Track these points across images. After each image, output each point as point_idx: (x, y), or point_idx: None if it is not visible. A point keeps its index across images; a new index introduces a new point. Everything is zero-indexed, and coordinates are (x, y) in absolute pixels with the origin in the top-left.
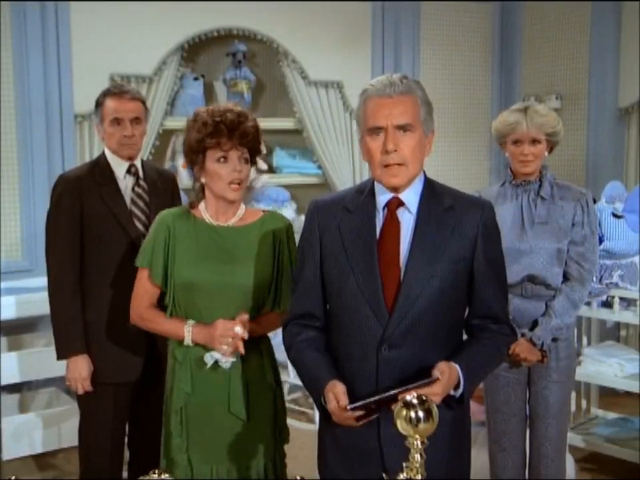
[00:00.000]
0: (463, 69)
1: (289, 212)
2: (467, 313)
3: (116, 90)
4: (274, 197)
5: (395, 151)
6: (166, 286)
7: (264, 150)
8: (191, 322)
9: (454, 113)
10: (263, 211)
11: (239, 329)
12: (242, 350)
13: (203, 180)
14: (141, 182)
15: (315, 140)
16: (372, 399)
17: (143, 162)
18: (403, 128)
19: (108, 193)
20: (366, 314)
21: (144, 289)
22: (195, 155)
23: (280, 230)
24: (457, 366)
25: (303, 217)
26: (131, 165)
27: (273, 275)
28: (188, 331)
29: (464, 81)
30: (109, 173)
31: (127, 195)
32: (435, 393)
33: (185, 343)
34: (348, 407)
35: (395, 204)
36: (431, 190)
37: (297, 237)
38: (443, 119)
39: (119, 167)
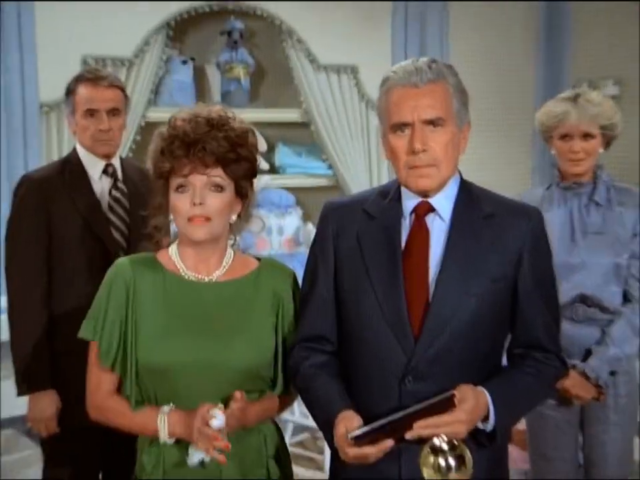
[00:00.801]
0: (501, 52)
1: (293, 219)
2: (508, 340)
3: (90, 75)
4: (276, 202)
5: (424, 150)
6: (123, 370)
7: (264, 148)
8: (166, 408)
9: (490, 104)
10: (258, 259)
11: (216, 422)
12: (222, 445)
13: (170, 217)
14: (120, 184)
15: (324, 135)
16: (377, 424)
17: (122, 160)
18: (433, 123)
19: (80, 197)
20: (387, 338)
21: (98, 371)
22: (156, 181)
23: (282, 285)
24: (484, 392)
25: (309, 226)
26: (108, 164)
27: (275, 347)
28: (162, 421)
29: (502, 66)
30: (81, 173)
31: (103, 199)
32: (459, 420)
33: (161, 440)
34: (348, 436)
35: (423, 209)
36: (468, 194)
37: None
38: (477, 111)
39: (94, 167)
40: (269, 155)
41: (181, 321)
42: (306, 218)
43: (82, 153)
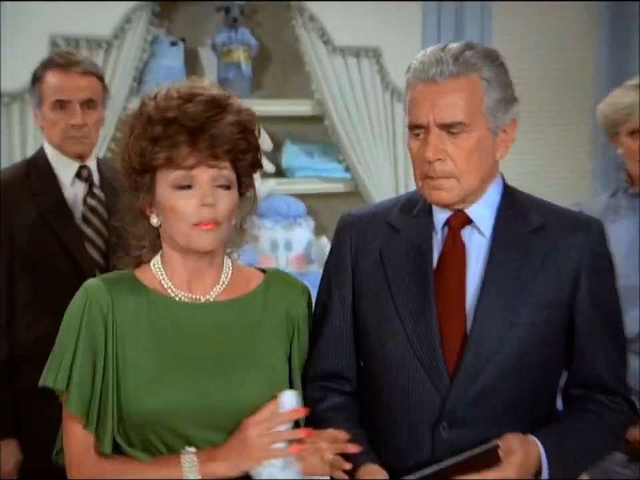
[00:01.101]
0: (554, 32)
1: (304, 232)
2: (564, 378)
3: (61, 60)
4: (283, 211)
5: (439, 159)
6: (101, 424)
7: (269, 146)
8: (190, 449)
9: (542, 96)
10: (262, 270)
11: (290, 400)
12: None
13: (154, 220)
14: (96, 190)
15: (341, 131)
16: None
17: (98, 162)
18: (451, 128)
19: (48, 205)
20: (417, 377)
21: (76, 426)
22: (138, 176)
23: (296, 304)
24: (536, 442)
25: (323, 240)
26: (82, 167)
27: (290, 378)
28: (191, 464)
29: (555, 49)
30: (49, 177)
31: (76, 208)
32: (505, 477)
33: None
34: None
35: (459, 222)
36: (512, 202)
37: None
38: (527, 106)
39: (65, 169)
40: (275, 154)
41: (175, 356)
42: (319, 231)
43: (50, 153)
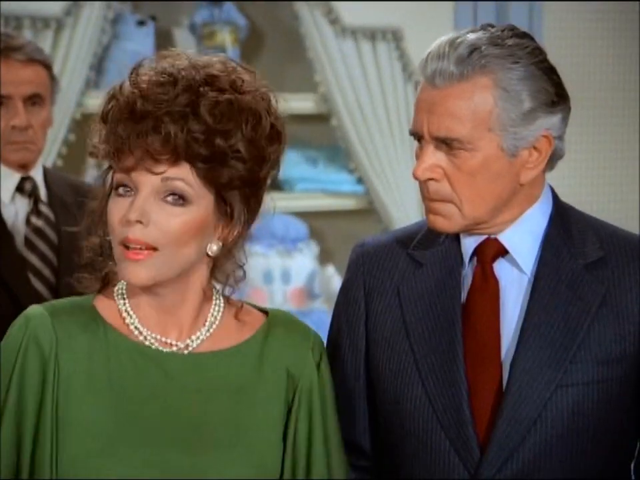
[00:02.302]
0: (608, 27)
1: (306, 260)
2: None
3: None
4: (280, 234)
5: (432, 179)
6: None
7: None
8: None
9: (590, 96)
10: (264, 312)
11: None
12: None
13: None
14: (43, 208)
15: (352, 132)
16: None
17: (46, 172)
18: (448, 143)
19: None
20: (441, 448)
21: None
22: (105, 171)
23: (300, 358)
24: None
25: (329, 270)
26: (25, 179)
27: (285, 465)
28: None
29: (608, 48)
30: None
31: (18, 230)
32: None
33: None
34: None
35: (491, 251)
36: (564, 228)
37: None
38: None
39: (3, 183)
40: None
41: (135, 420)
42: (324, 258)
43: None
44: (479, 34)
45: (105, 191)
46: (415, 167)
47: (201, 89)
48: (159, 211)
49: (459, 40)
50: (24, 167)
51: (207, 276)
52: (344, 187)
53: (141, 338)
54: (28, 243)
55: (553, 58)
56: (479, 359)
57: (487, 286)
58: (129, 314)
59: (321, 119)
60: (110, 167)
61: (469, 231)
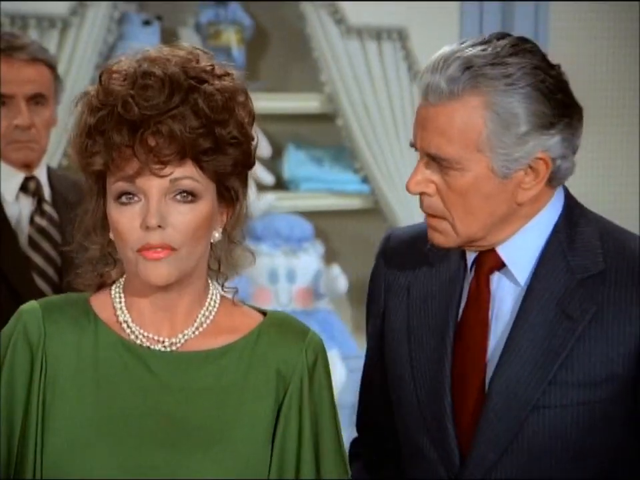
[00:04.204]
0: (614, 28)
1: (311, 260)
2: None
3: (3, 44)
4: (285, 234)
5: (425, 194)
6: None
7: (268, 152)
8: None
9: (597, 96)
10: (263, 313)
11: None
12: None
13: (111, 235)
14: (47, 207)
15: (357, 132)
16: None
17: (50, 172)
18: (437, 161)
19: None
20: (428, 455)
21: None
22: (87, 178)
23: (291, 357)
24: None
25: (335, 270)
26: (29, 178)
27: (272, 466)
28: None
29: (614, 47)
30: None
31: (22, 230)
32: None
33: None
34: None
35: (489, 263)
36: (567, 237)
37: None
38: (592, 99)
39: (7, 182)
40: (275, 162)
41: (117, 416)
42: (329, 258)
43: None
44: (478, 49)
45: (94, 204)
46: (408, 180)
47: (187, 83)
48: (173, 211)
49: (455, 55)
50: (28, 166)
51: (206, 270)
52: (349, 187)
53: (132, 336)
54: (32, 242)
55: (558, 58)
56: (466, 374)
57: (479, 299)
58: (122, 311)
59: (327, 118)
60: (97, 180)
61: (468, 246)
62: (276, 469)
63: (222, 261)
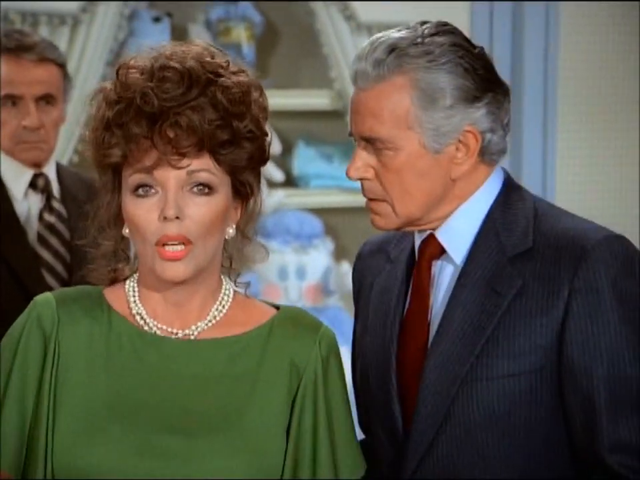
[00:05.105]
0: (624, 27)
1: (321, 256)
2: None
3: (10, 43)
4: (295, 230)
5: (365, 179)
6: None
7: (278, 149)
8: None
9: (606, 93)
10: (276, 307)
11: None
12: None
13: (125, 230)
14: (55, 204)
15: None
16: None
17: (59, 169)
18: (373, 143)
19: None
20: (379, 436)
21: None
22: (102, 174)
23: (304, 349)
24: None
25: (345, 267)
26: (38, 175)
27: (287, 456)
28: None
29: (624, 45)
30: None
31: (31, 226)
32: None
33: None
34: None
35: (429, 249)
36: (501, 217)
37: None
38: (581, 105)
39: (16, 179)
40: (285, 159)
41: (130, 402)
42: (339, 254)
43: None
44: (403, 33)
45: (109, 198)
46: (347, 167)
47: (205, 76)
48: (189, 203)
49: (380, 40)
50: (37, 164)
51: (219, 266)
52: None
53: (143, 324)
54: (40, 238)
55: (569, 57)
56: (409, 358)
57: (420, 285)
58: (136, 304)
59: (336, 115)
60: (113, 174)
61: (407, 227)
62: (291, 459)
63: (234, 257)
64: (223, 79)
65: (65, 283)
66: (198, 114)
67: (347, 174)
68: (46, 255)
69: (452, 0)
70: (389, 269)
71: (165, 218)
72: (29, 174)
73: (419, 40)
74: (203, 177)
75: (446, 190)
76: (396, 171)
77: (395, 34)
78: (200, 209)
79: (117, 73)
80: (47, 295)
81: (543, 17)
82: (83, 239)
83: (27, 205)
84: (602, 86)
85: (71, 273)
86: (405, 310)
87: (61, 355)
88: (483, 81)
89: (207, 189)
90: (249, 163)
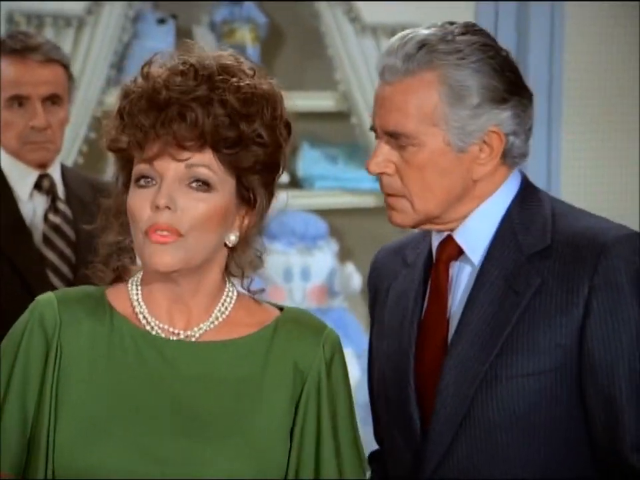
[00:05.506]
0: (630, 28)
1: (326, 258)
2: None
3: (16, 44)
4: (300, 232)
5: (383, 173)
6: None
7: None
8: None
9: (610, 94)
10: (280, 308)
11: None
12: None
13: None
14: (61, 205)
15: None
16: None
17: (64, 170)
18: (396, 138)
19: (2, 224)
20: (396, 439)
21: None
22: (119, 168)
23: (308, 352)
24: None
25: (349, 268)
26: (43, 176)
27: (291, 459)
28: None
29: (630, 45)
30: (2, 189)
31: (36, 227)
32: None
33: None
34: None
35: (447, 250)
36: (519, 217)
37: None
38: (586, 105)
39: (21, 180)
40: (289, 160)
41: (132, 404)
42: (344, 256)
43: (4, 160)
44: (432, 30)
45: (120, 187)
46: (368, 161)
47: (221, 76)
48: (185, 196)
49: (409, 36)
50: (42, 165)
51: (222, 268)
52: (363, 185)
53: (148, 327)
54: (46, 239)
55: (574, 58)
56: (427, 360)
57: (439, 287)
58: (138, 303)
59: (341, 116)
60: (124, 163)
61: (423, 226)
62: (295, 462)
63: (240, 265)
64: (237, 79)
65: (70, 284)
66: (204, 108)
67: (366, 168)
68: (51, 255)
69: (457, 0)
70: (405, 272)
71: (157, 207)
72: (34, 175)
73: (450, 37)
74: (202, 172)
75: (466, 189)
76: (418, 167)
77: (424, 30)
78: (195, 204)
79: (142, 68)
80: (49, 294)
81: (547, 17)
82: (88, 240)
83: (32, 206)
84: (607, 87)
85: (76, 273)
86: (423, 312)
87: (63, 355)
88: (511, 83)
89: (205, 185)
90: (254, 167)
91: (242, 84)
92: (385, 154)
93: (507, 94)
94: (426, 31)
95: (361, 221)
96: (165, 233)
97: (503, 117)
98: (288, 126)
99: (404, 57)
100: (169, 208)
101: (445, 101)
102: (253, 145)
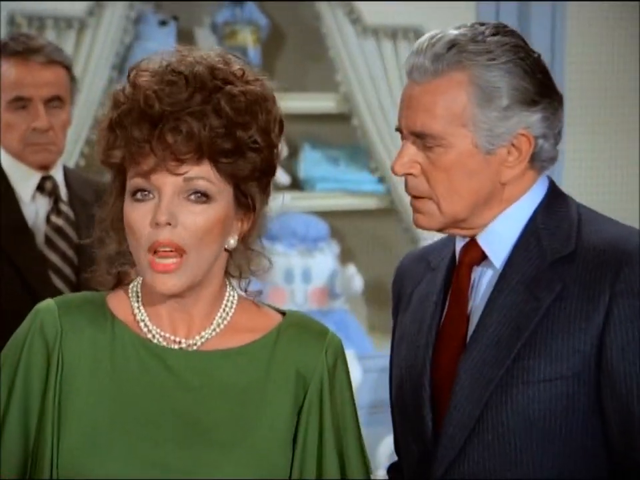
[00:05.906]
0: (631, 28)
1: (327, 260)
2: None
3: (18, 46)
4: (301, 233)
5: (411, 174)
6: None
7: (283, 152)
8: None
9: (616, 97)
10: (282, 313)
11: None
12: None
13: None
14: (63, 207)
15: (373, 132)
16: None
17: (66, 172)
18: (423, 139)
19: (2, 225)
20: (409, 446)
21: None
22: (112, 179)
23: (310, 358)
24: None
25: (351, 270)
26: (45, 178)
27: (294, 467)
28: None
29: (632, 46)
30: (4, 190)
31: (38, 229)
32: None
33: None
34: None
35: (470, 255)
36: (544, 222)
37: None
38: (588, 106)
39: (24, 182)
40: (290, 162)
41: (135, 414)
42: (345, 257)
43: (7, 162)
44: (462, 30)
45: (114, 197)
46: (393, 162)
47: (212, 83)
48: (184, 210)
49: (439, 36)
50: (45, 167)
51: (222, 273)
52: (365, 187)
53: (149, 335)
54: (48, 241)
55: (575, 58)
56: (446, 364)
57: (460, 290)
58: (139, 310)
59: (342, 118)
60: (118, 175)
61: (449, 230)
62: (297, 470)
63: (239, 266)
64: (230, 86)
65: (72, 286)
66: (199, 121)
67: (392, 169)
68: (54, 257)
69: (458, 0)
70: (429, 277)
71: (157, 224)
72: (36, 177)
73: (480, 38)
74: (200, 184)
75: (493, 192)
76: (445, 169)
77: (454, 30)
78: (195, 217)
79: (128, 75)
80: (49, 302)
81: (548, 17)
82: (92, 238)
83: (34, 207)
84: (607, 87)
85: (78, 275)
86: (443, 315)
87: (65, 364)
88: (542, 86)
89: (204, 197)
90: (252, 174)
91: (235, 91)
92: (410, 155)
93: (537, 96)
94: (455, 31)
95: (362, 222)
96: (168, 259)
97: (533, 119)
98: (281, 123)
99: (433, 57)
100: (169, 224)
101: (474, 102)
102: (250, 152)
